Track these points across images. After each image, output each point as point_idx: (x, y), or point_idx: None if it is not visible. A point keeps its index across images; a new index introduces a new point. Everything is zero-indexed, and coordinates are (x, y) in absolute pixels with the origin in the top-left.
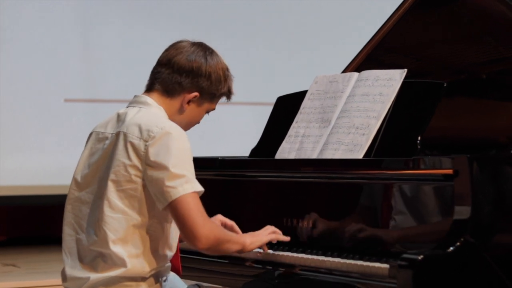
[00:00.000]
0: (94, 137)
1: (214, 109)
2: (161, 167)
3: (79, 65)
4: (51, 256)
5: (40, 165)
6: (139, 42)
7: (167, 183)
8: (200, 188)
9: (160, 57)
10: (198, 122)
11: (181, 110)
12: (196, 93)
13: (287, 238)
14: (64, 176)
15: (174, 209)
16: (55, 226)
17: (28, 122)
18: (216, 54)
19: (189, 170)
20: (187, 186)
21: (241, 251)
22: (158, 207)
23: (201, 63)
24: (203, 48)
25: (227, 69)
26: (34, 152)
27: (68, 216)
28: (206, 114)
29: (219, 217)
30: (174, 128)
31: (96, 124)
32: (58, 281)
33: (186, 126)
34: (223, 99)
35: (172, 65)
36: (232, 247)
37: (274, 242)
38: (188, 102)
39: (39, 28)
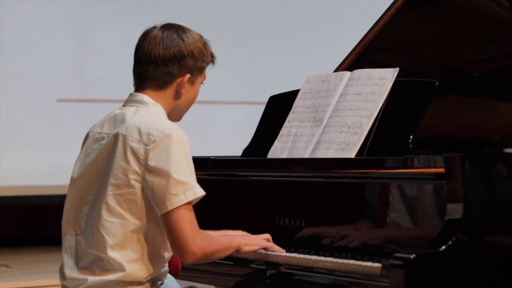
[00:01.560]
0: (91, 137)
1: (205, 77)
2: (162, 173)
3: (71, 65)
4: (44, 257)
5: (33, 165)
6: (131, 42)
7: (170, 190)
8: (201, 193)
9: (136, 55)
10: (195, 99)
11: (177, 96)
12: (188, 75)
13: (282, 250)
14: (57, 176)
15: (169, 219)
16: (48, 226)
17: (20, 122)
18: (188, 29)
19: (191, 175)
20: (188, 194)
21: (234, 252)
22: (157, 212)
23: (179, 45)
24: (174, 29)
25: (202, 37)
26: (27, 152)
27: (68, 215)
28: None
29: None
30: (174, 131)
31: (92, 125)
32: (51, 281)
33: (187, 107)
34: (210, 66)
35: (154, 59)
36: (223, 255)
37: (269, 250)
38: (183, 86)
39: (32, 28)
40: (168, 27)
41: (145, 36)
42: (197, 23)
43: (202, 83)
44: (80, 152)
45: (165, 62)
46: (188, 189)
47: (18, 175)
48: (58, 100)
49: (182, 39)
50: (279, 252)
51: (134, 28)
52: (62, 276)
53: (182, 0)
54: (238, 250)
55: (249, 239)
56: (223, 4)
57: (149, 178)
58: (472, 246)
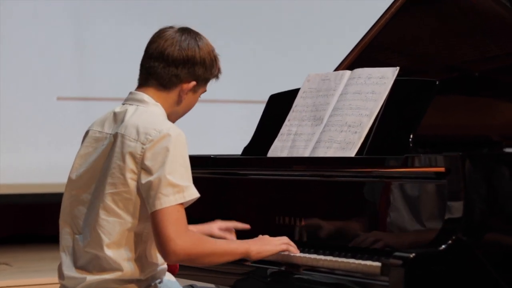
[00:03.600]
0: (91, 135)
1: (206, 91)
2: (157, 172)
3: (71, 63)
4: (43, 255)
5: (32, 163)
6: (131, 40)
7: (161, 190)
8: (191, 197)
9: (149, 49)
10: (192, 107)
11: (179, 101)
12: (194, 82)
13: (297, 251)
14: (56, 174)
15: (154, 218)
16: (47, 224)
17: (20, 120)
18: (203, 37)
19: (186, 176)
20: (178, 196)
21: (244, 258)
22: (148, 211)
23: (195, 50)
24: (192, 34)
25: (214, 50)
26: (27, 150)
27: (65, 214)
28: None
29: (218, 223)
30: (172, 130)
31: (92, 122)
32: (51, 279)
33: (183, 114)
34: (213, 80)
35: (166, 58)
36: (222, 259)
37: (285, 253)
38: (186, 92)
39: (32, 27)
40: (187, 31)
41: (162, 33)
42: (196, 21)
43: (201, 94)
44: (80, 149)
45: (176, 64)
46: (178, 191)
47: (17, 173)
48: (58, 98)
49: (198, 46)
50: (293, 254)
51: (134, 26)
52: (61, 275)
53: None
54: (249, 257)
55: (262, 245)
56: (223, 3)
57: (144, 177)
58: (472, 245)
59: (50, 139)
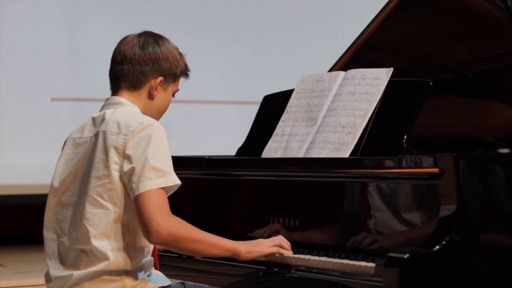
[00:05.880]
0: (70, 143)
1: (178, 90)
2: (140, 159)
3: (65, 64)
4: (37, 256)
5: (26, 164)
6: None
7: (144, 173)
8: (174, 182)
9: (113, 57)
10: (167, 108)
11: (150, 98)
12: (160, 78)
13: (290, 253)
14: (50, 175)
15: (137, 201)
16: (41, 225)
17: (14, 121)
18: (164, 37)
19: (167, 163)
20: (161, 180)
21: (233, 257)
22: (131, 197)
23: (156, 48)
24: (152, 35)
25: (177, 48)
26: (20, 151)
27: (49, 221)
28: (173, 97)
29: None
30: (154, 121)
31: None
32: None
33: (158, 114)
34: (183, 78)
35: (130, 59)
36: (207, 249)
37: (277, 255)
38: (156, 88)
39: (25, 27)
40: (147, 33)
41: (123, 40)
42: (190, 22)
43: (174, 94)
44: (60, 157)
45: (140, 62)
46: (161, 176)
47: (11, 174)
48: (52, 99)
49: (158, 44)
50: (286, 255)
51: (128, 27)
52: (48, 279)
53: None
54: (238, 256)
55: (253, 246)
56: (217, 3)
57: (127, 165)
58: (465, 246)
59: (44, 140)
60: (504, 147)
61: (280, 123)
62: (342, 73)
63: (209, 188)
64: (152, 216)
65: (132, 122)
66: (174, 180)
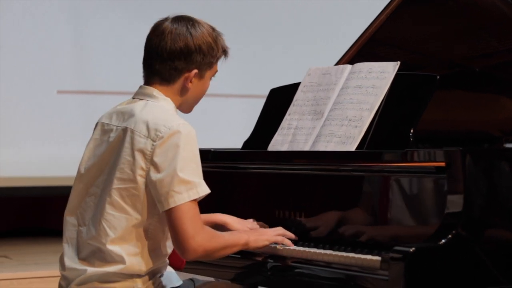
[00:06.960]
0: (100, 128)
1: (217, 71)
2: (168, 169)
3: (71, 56)
4: (43, 248)
5: (32, 156)
6: (131, 33)
7: (173, 187)
8: (204, 192)
9: (146, 47)
10: (204, 93)
11: (184, 91)
12: (195, 70)
13: (291, 244)
14: (56, 167)
15: (171, 216)
16: (47, 217)
17: (20, 114)
18: (198, 22)
19: (196, 172)
20: (192, 193)
21: (244, 249)
22: (159, 208)
23: (188, 40)
24: (184, 23)
25: (214, 30)
26: (26, 143)
27: (72, 205)
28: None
29: (219, 216)
30: (182, 127)
31: (101, 115)
32: (50, 272)
33: (196, 101)
34: (222, 59)
35: (160, 54)
36: (229, 251)
37: (280, 244)
38: (190, 80)
39: (31, 20)
40: (179, 20)
41: (155, 29)
42: (197, 16)
43: (213, 76)
44: (89, 142)
45: (172, 58)
46: (191, 188)
47: (17, 166)
48: (58, 92)
49: (190, 33)
50: (289, 246)
51: (133, 20)
52: (62, 266)
53: None
54: (246, 247)
55: (259, 235)
56: None
57: (154, 174)
58: (471, 240)
59: (50, 132)
60: (510, 142)
61: (287, 116)
62: (349, 66)
63: (215, 181)
64: (189, 234)
65: (161, 126)
66: (204, 190)
